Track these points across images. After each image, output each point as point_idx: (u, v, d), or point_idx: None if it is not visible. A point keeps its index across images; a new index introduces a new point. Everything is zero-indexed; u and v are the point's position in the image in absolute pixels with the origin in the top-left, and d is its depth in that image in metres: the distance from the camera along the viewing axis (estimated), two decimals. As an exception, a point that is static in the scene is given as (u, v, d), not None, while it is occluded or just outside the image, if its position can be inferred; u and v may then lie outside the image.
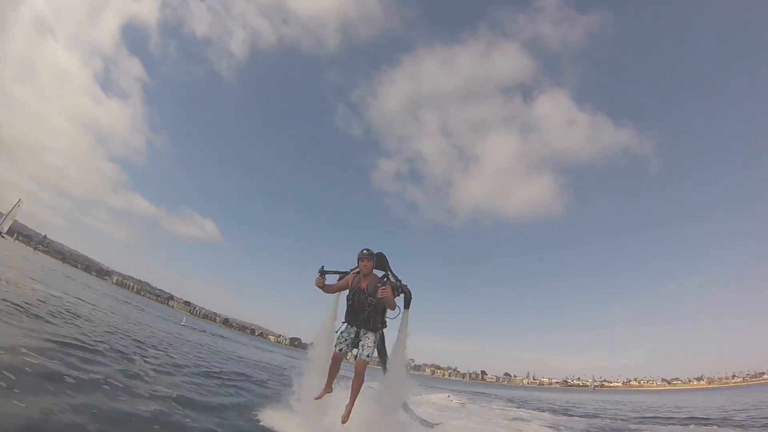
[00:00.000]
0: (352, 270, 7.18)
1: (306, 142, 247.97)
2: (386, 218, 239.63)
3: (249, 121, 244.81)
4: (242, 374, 13.25)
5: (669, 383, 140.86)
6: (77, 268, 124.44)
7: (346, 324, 6.91)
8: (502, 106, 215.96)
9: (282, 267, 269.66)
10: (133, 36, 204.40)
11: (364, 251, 6.84)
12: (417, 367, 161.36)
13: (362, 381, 6.65)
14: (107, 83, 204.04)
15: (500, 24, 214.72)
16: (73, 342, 8.28)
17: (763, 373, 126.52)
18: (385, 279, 7.13)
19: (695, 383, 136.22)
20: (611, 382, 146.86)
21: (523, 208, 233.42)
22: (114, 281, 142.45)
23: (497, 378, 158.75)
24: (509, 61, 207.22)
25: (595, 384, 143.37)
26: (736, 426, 12.72)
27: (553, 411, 20.66)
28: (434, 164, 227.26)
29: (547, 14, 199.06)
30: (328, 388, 6.81)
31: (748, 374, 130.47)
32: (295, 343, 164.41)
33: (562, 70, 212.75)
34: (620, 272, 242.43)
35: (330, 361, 6.85)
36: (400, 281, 7.25)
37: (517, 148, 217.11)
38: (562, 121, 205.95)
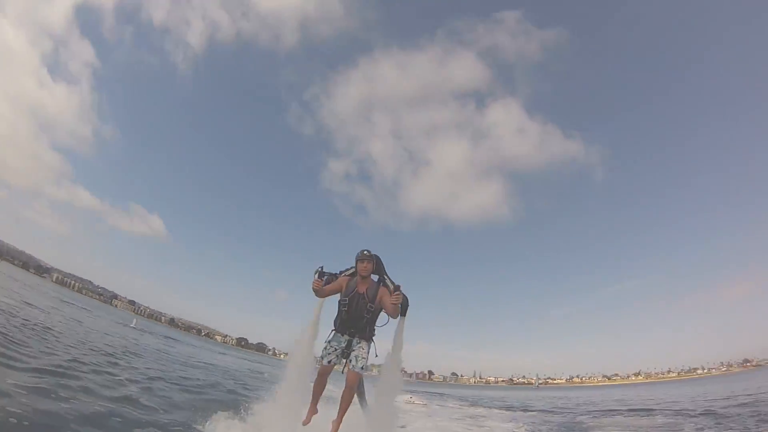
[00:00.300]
0: (342, 272, 6.44)
1: (258, 139, 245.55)
2: (334, 219, 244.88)
3: (202, 115, 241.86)
4: (215, 384, 13.17)
5: (609, 379, 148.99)
6: (14, 264, 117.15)
7: (334, 332, 6.22)
8: (455, 112, 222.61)
9: (228, 265, 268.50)
10: (86, 17, 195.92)
11: (365, 252, 6.18)
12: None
13: (353, 395, 6.03)
14: (55, 66, 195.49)
15: (458, 32, 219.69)
16: (50, 367, 8.03)
17: (696, 369, 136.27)
18: (381, 284, 6.33)
19: (633, 378, 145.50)
20: (554, 379, 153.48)
21: (470, 213, 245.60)
22: (54, 279, 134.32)
23: (444, 377, 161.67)
24: (465, 68, 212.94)
25: (540, 381, 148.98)
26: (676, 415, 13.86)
27: (511, 408, 21.66)
28: (384, 166, 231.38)
29: (506, 26, 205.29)
30: (314, 409, 6.05)
31: (682, 370, 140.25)
32: (242, 344, 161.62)
33: (516, 80, 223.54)
34: (563, 275, 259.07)
35: (316, 376, 6.13)
36: (397, 286, 6.05)
37: (468, 153, 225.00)
38: (513, 129, 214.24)
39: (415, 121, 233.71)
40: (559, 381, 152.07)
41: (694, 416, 13.11)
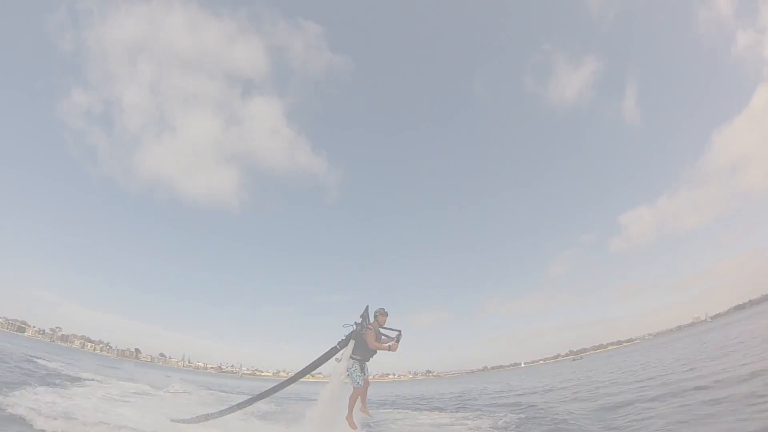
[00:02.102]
0: (365, 324, 9.29)
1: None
2: (59, 155, 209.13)
3: None
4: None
5: (313, 376, 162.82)
6: None
7: (359, 362, 9.06)
8: (220, 91, 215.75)
9: None
10: None
11: (385, 310, 9.41)
12: (65, 338, 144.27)
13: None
14: None
15: (260, 19, 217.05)
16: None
17: (389, 375, 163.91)
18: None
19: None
20: (262, 372, 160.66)
21: (201, 193, 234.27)
22: None
23: (152, 357, 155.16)
24: (248, 54, 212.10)
25: (245, 371, 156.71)
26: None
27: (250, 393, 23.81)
28: (131, 117, 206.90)
29: (305, 35, 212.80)
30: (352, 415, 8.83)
31: (376, 374, 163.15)
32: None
33: (290, 85, 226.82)
34: (279, 278, 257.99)
35: (353, 394, 8.97)
36: (399, 331, 9.37)
37: (217, 134, 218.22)
38: (268, 128, 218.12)
39: (179, 84, 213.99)
40: (267, 374, 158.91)
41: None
